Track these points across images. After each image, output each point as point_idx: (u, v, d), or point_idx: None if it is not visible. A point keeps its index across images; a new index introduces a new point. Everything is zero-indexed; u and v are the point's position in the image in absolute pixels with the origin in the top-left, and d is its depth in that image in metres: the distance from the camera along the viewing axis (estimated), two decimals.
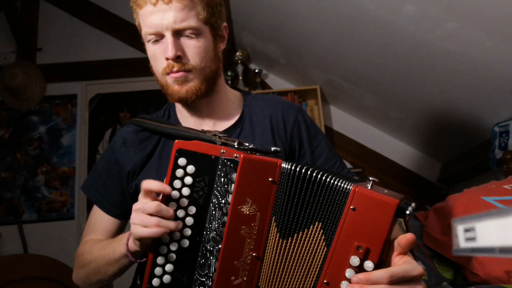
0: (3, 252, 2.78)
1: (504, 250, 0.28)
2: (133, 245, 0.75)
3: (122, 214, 0.98)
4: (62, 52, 3.23)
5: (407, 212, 0.62)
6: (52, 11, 3.30)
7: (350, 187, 0.65)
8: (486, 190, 1.44)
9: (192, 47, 0.87)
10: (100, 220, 0.99)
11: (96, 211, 0.99)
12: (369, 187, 0.65)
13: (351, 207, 0.65)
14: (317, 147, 1.00)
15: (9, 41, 3.18)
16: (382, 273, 0.59)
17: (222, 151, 0.70)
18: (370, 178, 0.66)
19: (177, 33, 0.85)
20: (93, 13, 3.28)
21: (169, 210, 0.69)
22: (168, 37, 0.84)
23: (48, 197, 2.99)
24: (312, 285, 0.68)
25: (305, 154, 0.98)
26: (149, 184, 0.70)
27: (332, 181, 0.67)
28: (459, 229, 0.32)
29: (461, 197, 1.46)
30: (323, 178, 0.68)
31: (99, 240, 0.95)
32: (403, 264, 0.62)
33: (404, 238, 0.62)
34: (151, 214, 0.68)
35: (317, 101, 2.88)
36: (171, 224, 0.68)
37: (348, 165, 3.02)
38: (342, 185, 0.66)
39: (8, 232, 2.86)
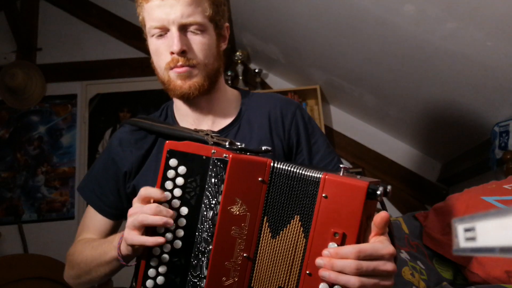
0: (3, 252, 2.78)
1: (504, 250, 0.28)
2: (125, 250, 0.74)
3: (117, 215, 0.99)
4: (62, 52, 3.23)
5: (378, 192, 0.62)
6: (52, 11, 3.30)
7: (320, 176, 0.66)
8: (486, 190, 1.44)
9: (197, 43, 0.88)
10: (94, 219, 0.98)
11: (90, 210, 0.99)
12: (340, 175, 0.66)
13: (323, 195, 0.66)
14: (314, 144, 1.00)
15: (9, 41, 3.18)
16: (351, 248, 0.61)
17: (213, 151, 0.70)
18: (341, 166, 0.68)
19: (183, 28, 0.86)
20: (93, 13, 3.28)
21: (168, 211, 0.69)
22: (174, 31, 0.85)
23: (48, 197, 2.99)
24: (296, 278, 0.69)
25: (303, 151, 0.99)
26: (147, 191, 0.70)
27: (303, 172, 0.68)
28: (459, 229, 0.32)
29: (461, 197, 1.46)
30: (296, 171, 0.69)
31: (91, 240, 0.95)
32: (374, 242, 0.63)
33: (378, 217, 0.63)
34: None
35: (317, 101, 2.88)
36: (168, 219, 0.68)
37: (348, 165, 3.02)
38: (312, 174, 0.67)
39: (8, 232, 2.86)
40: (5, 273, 1.74)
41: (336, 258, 0.61)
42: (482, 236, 0.30)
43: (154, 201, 0.71)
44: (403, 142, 2.96)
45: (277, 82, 3.20)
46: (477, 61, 1.68)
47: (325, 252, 0.63)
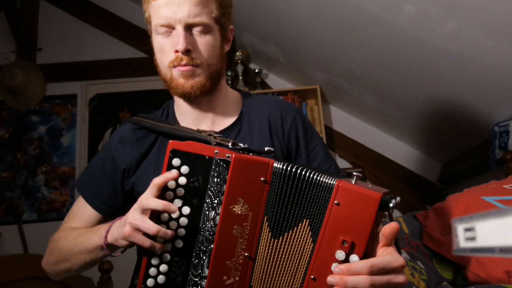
0: (3, 252, 2.78)
1: (504, 250, 0.28)
2: (112, 239, 0.75)
3: (109, 212, 0.99)
4: (62, 52, 3.23)
5: (391, 205, 0.62)
6: (52, 11, 3.30)
7: (334, 182, 0.66)
8: (486, 190, 1.44)
9: (202, 43, 0.88)
10: (84, 211, 0.98)
11: (81, 201, 0.99)
12: (353, 182, 0.66)
13: (335, 202, 0.65)
14: (313, 149, 1.00)
15: (9, 41, 3.18)
16: (363, 264, 0.61)
17: (216, 151, 0.71)
18: (354, 173, 0.67)
19: (189, 28, 0.87)
20: (93, 13, 3.27)
21: (167, 232, 0.69)
22: (180, 30, 0.85)
23: (48, 197, 2.99)
24: (300, 281, 0.69)
25: (301, 155, 0.99)
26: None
27: (317, 177, 0.68)
28: (459, 229, 0.32)
29: (461, 197, 1.46)
30: (309, 175, 0.69)
31: (77, 228, 0.95)
32: (384, 255, 0.63)
33: (388, 228, 0.63)
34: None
35: (317, 101, 2.88)
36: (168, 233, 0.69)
37: (348, 165, 3.02)
38: (326, 180, 0.67)
39: (8, 232, 2.86)
40: (5, 273, 1.74)
41: (348, 275, 0.61)
42: (482, 236, 0.30)
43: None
44: (403, 142, 2.96)
45: (277, 82, 3.20)
46: (477, 61, 1.68)
47: (336, 269, 0.63)
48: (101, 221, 0.99)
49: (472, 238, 0.31)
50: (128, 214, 0.71)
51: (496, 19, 1.44)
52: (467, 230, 0.31)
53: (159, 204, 0.67)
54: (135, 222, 0.69)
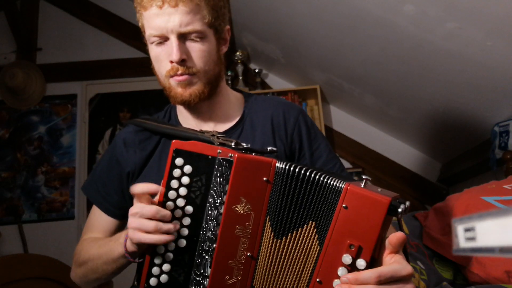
0: (3, 252, 2.78)
1: (504, 250, 0.28)
2: (131, 247, 0.75)
3: (121, 215, 0.99)
4: (62, 52, 3.23)
5: (399, 210, 0.62)
6: (52, 11, 3.30)
7: (343, 186, 0.66)
8: (486, 190, 1.44)
9: (197, 51, 0.87)
10: (100, 219, 0.99)
11: (96, 209, 1.00)
12: (362, 186, 0.65)
13: (343, 206, 0.65)
14: (316, 149, 1.00)
15: (9, 41, 3.18)
16: (370, 273, 0.60)
17: (219, 151, 0.71)
18: (364, 177, 0.66)
19: (182, 36, 0.85)
20: (93, 13, 3.28)
21: (167, 214, 0.69)
22: (173, 40, 0.84)
23: (48, 197, 2.99)
24: (305, 284, 0.68)
25: (305, 155, 0.99)
26: (137, 188, 0.70)
27: (325, 179, 0.68)
28: (459, 229, 0.32)
29: (461, 197, 1.46)
30: (316, 177, 0.68)
31: (97, 238, 0.95)
32: (392, 263, 0.62)
33: (394, 237, 0.62)
34: (149, 218, 0.69)
35: (317, 101, 2.88)
36: (169, 227, 0.69)
37: (348, 165, 3.02)
38: (334, 183, 0.67)
39: (8, 232, 2.86)
40: (5, 273, 1.74)
41: (356, 284, 0.60)
42: (482, 236, 0.30)
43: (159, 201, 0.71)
44: (403, 142, 2.96)
45: (277, 82, 3.20)
46: (477, 61, 1.68)
47: (343, 278, 0.62)
48: (119, 227, 0.99)
49: (472, 238, 0.31)
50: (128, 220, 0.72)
51: (496, 19, 1.44)
52: (467, 230, 0.31)
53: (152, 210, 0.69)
54: (134, 224, 0.69)
